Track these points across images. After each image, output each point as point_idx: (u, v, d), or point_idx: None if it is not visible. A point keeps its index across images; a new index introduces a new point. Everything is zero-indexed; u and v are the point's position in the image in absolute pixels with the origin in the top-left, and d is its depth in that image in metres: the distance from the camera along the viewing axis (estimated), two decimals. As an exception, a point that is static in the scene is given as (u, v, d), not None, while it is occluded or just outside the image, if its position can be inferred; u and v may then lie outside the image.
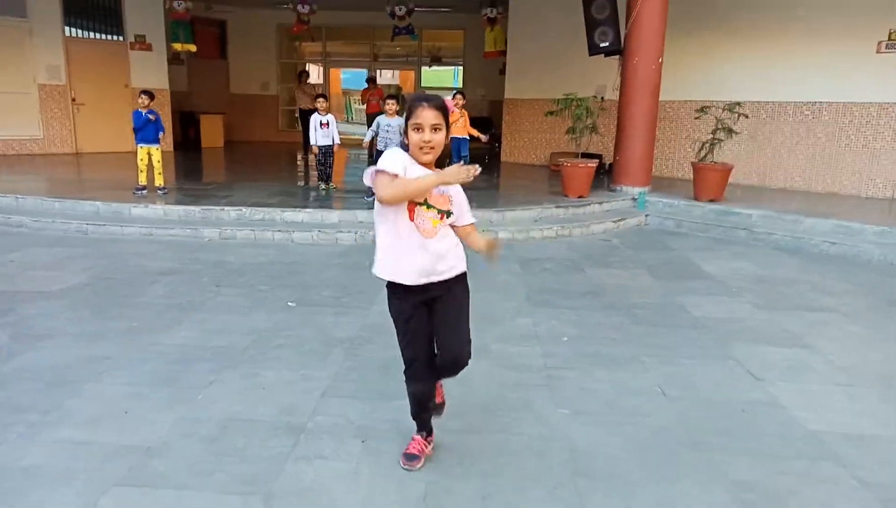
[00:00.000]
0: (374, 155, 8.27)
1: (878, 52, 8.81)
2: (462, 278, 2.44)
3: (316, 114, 8.32)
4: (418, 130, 2.20)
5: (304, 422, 2.88)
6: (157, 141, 7.81)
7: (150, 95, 7.73)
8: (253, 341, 3.83)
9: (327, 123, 8.27)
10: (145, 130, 7.69)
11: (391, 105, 7.78)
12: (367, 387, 3.25)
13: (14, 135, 11.59)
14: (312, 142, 8.35)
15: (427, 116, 2.19)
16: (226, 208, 6.99)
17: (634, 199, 8.51)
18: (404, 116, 2.27)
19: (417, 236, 2.26)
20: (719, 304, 4.85)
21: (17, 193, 7.47)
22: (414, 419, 2.59)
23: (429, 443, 2.60)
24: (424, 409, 2.55)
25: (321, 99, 8.39)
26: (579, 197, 8.30)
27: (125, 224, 6.63)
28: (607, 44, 8.98)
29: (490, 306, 4.61)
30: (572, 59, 11.14)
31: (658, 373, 3.54)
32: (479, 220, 7.34)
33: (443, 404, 2.73)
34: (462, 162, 8.84)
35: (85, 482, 2.38)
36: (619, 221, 7.79)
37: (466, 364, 2.47)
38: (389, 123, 7.66)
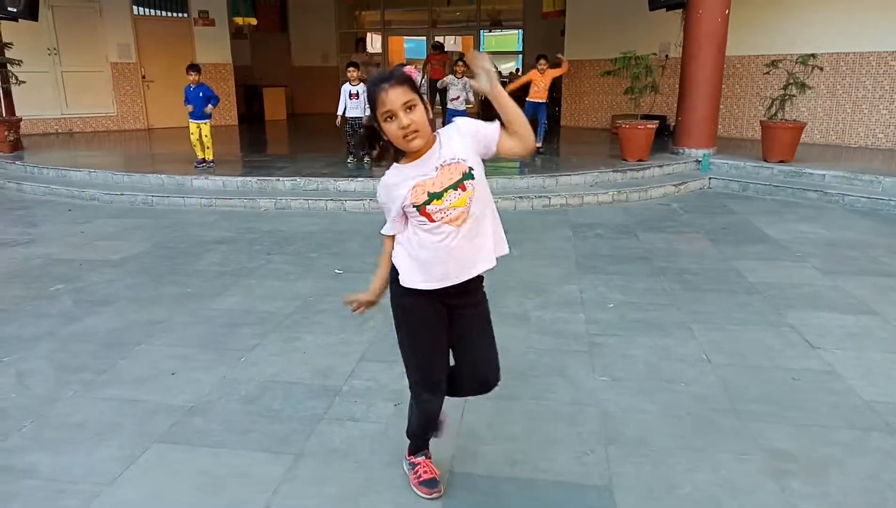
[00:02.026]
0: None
1: (975, -8, 8.02)
2: (482, 280, 2.06)
3: (347, 83, 8.00)
4: (391, 117, 1.78)
5: (339, 385, 2.94)
6: (204, 116, 7.82)
7: (197, 69, 7.83)
8: (297, 306, 3.92)
9: (357, 94, 7.85)
10: (194, 105, 7.79)
11: (352, 71, 7.89)
12: (403, 352, 3.26)
13: (90, 112, 12.20)
14: (339, 112, 8.01)
15: (393, 97, 1.76)
16: (281, 178, 7.14)
17: (698, 161, 8.16)
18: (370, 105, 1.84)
19: (450, 231, 1.86)
20: (779, 269, 4.60)
21: (90, 167, 7.87)
22: (418, 438, 2.23)
23: (430, 460, 2.28)
24: (434, 427, 2.23)
25: (351, 67, 8.02)
26: (638, 160, 8.02)
27: (187, 196, 6.89)
28: (669, -3, 8.55)
29: (537, 272, 4.55)
30: (634, 16, 10.68)
31: (704, 340, 3.40)
32: (531, 186, 7.23)
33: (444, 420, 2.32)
34: (541, 132, 8.68)
35: (129, 437, 2.52)
36: (680, 184, 7.49)
37: (496, 384, 2.13)
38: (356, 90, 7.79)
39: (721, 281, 4.36)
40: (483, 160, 1.92)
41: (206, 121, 7.90)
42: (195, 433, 2.55)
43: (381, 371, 3.05)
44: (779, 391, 2.86)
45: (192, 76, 7.73)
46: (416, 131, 1.78)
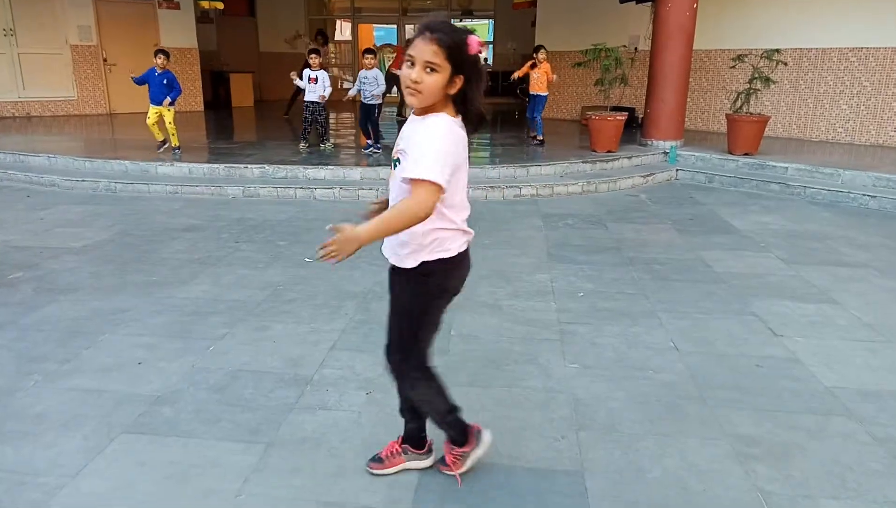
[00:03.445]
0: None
1: (932, -8, 8.26)
2: (406, 275, 1.90)
3: (307, 69, 8.09)
4: (411, 63, 1.70)
5: (310, 374, 2.91)
6: (160, 102, 7.64)
7: (166, 54, 7.65)
8: (267, 295, 3.87)
9: (315, 79, 7.99)
10: (152, 90, 7.61)
11: (369, 59, 7.91)
12: (375, 341, 3.24)
13: (49, 96, 11.82)
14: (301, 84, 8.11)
15: (424, 50, 1.67)
16: (250, 166, 7.03)
17: (665, 153, 8.28)
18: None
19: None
20: (744, 259, 4.70)
21: (50, 152, 7.64)
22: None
23: (401, 452, 2.23)
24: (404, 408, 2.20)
25: (313, 54, 8.09)
26: (608, 151, 8.10)
27: (151, 182, 6.73)
28: (639, -10, 8.62)
29: (508, 262, 4.57)
30: (605, 9, 10.77)
31: (672, 328, 3.46)
32: (502, 176, 7.24)
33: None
34: (532, 125, 8.62)
35: (94, 428, 2.46)
36: (649, 176, 7.59)
37: (399, 379, 2.06)
38: (366, 74, 7.88)
39: (688, 271, 4.44)
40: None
41: (170, 108, 7.70)
42: (163, 423, 2.50)
43: (353, 360, 3.03)
44: (743, 378, 2.92)
45: (160, 60, 7.53)
46: (418, 91, 1.71)
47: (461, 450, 2.17)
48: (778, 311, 3.71)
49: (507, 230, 5.45)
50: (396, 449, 2.22)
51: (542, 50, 8.72)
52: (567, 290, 4.04)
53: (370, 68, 7.90)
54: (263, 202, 6.36)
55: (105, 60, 12.19)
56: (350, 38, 18.04)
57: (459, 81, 1.73)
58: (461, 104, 1.78)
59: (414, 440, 2.22)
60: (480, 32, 19.95)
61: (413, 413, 2.19)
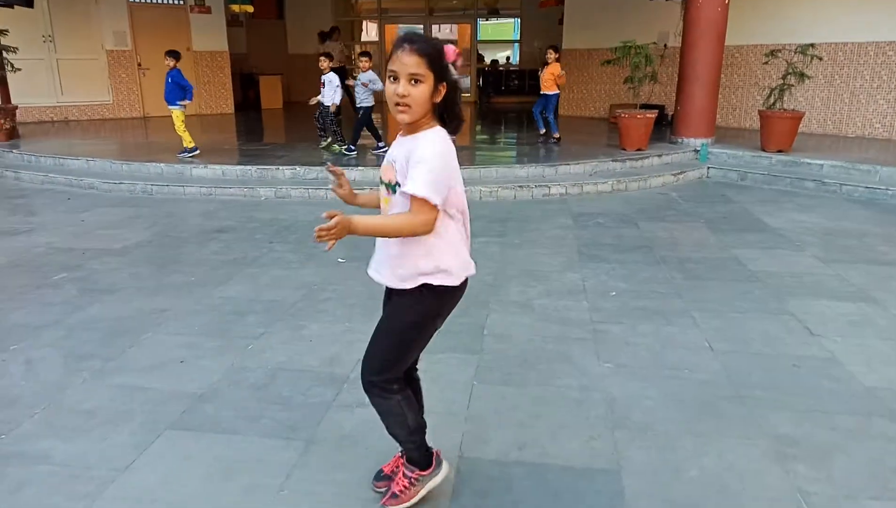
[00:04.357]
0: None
1: (973, -18, 8.04)
2: (406, 295, 1.85)
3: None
4: (393, 78, 1.69)
5: (346, 372, 2.96)
6: (172, 103, 7.78)
7: (170, 54, 7.75)
8: (302, 295, 3.94)
9: (323, 83, 8.20)
10: (166, 91, 7.76)
11: (364, 61, 7.97)
12: (409, 339, 3.29)
13: (86, 100, 12.13)
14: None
15: (406, 61, 1.66)
16: (281, 167, 7.13)
17: (696, 151, 8.18)
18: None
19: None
20: (779, 257, 4.64)
21: (88, 156, 7.84)
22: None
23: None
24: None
25: (323, 57, 8.26)
26: (637, 150, 8.04)
27: (186, 184, 6.87)
28: (669, -14, 8.54)
29: (538, 261, 4.57)
30: (633, 5, 10.68)
31: (707, 327, 3.44)
32: (531, 175, 7.25)
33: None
34: (546, 126, 8.62)
35: (141, 424, 2.54)
36: (679, 174, 7.52)
37: (367, 392, 1.98)
38: (360, 76, 7.92)
39: (722, 269, 4.40)
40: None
41: (175, 108, 7.80)
42: (206, 420, 2.58)
43: (387, 359, 3.07)
44: (781, 378, 2.90)
45: (166, 61, 7.70)
46: (406, 106, 1.69)
47: (422, 473, 2.05)
48: (815, 310, 3.66)
49: (536, 230, 5.45)
50: (403, 462, 2.11)
51: (551, 50, 8.70)
52: (599, 289, 4.03)
53: (366, 70, 7.92)
54: (295, 203, 6.45)
55: (139, 65, 12.47)
56: (377, 39, 18.14)
57: (443, 89, 1.73)
58: (445, 111, 1.77)
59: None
60: (506, 31, 19.97)
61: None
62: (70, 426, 2.52)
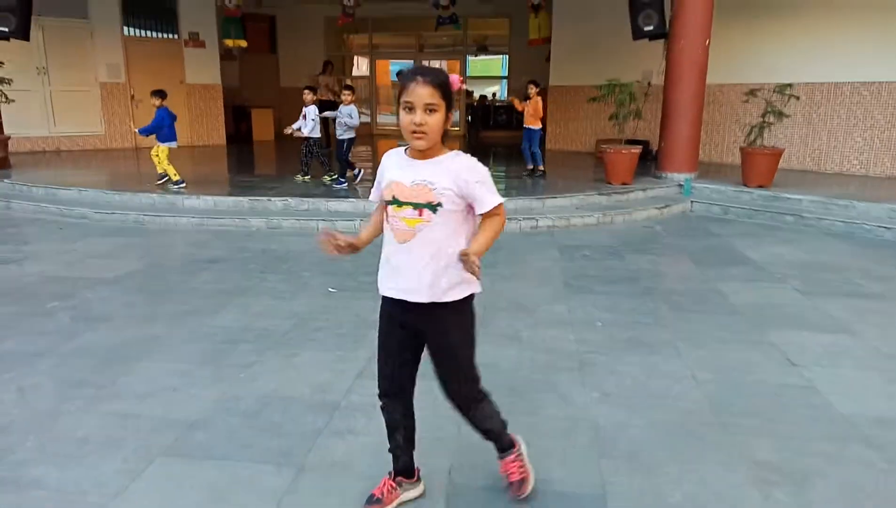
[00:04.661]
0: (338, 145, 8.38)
1: (942, 27, 8.38)
2: (459, 309, 2.01)
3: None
4: (409, 109, 1.83)
5: (338, 400, 3.01)
6: (159, 139, 7.95)
7: (157, 94, 7.93)
8: (293, 324, 3.99)
9: (304, 116, 8.40)
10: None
11: (347, 95, 8.14)
12: (399, 368, 3.35)
13: (78, 131, 12.20)
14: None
15: (420, 93, 1.81)
16: (272, 198, 7.23)
17: (680, 185, 8.37)
18: (396, 92, 1.91)
19: (392, 240, 1.97)
20: (760, 290, 4.76)
21: (80, 186, 7.89)
22: (391, 453, 2.23)
23: (396, 487, 2.23)
24: (395, 443, 2.20)
25: (306, 91, 8.50)
26: (623, 184, 8.22)
27: (178, 215, 6.94)
28: (652, 27, 8.83)
29: (526, 293, 4.66)
30: (618, 45, 10.97)
31: (690, 358, 3.53)
32: (519, 208, 7.35)
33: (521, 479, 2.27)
34: (531, 159, 8.85)
35: (133, 451, 2.57)
36: (664, 207, 7.69)
37: (469, 408, 2.15)
38: (341, 110, 8.07)
39: (705, 301, 4.51)
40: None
41: (161, 144, 7.95)
42: (198, 447, 2.61)
43: (378, 387, 3.12)
44: (761, 406, 2.98)
45: (153, 100, 7.87)
46: (424, 133, 1.84)
47: (517, 452, 2.27)
48: (795, 341, 3.76)
49: (523, 262, 5.56)
50: (391, 485, 2.23)
51: (532, 85, 8.96)
52: (585, 320, 4.12)
53: (348, 104, 8.08)
54: (286, 234, 6.53)
55: (132, 97, 12.60)
56: (368, 74, 18.45)
57: (451, 116, 1.91)
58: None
59: (409, 470, 2.25)
60: (494, 67, 20.39)
61: (409, 444, 2.23)
62: (63, 453, 2.55)
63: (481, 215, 1.96)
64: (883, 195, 7.43)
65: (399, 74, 1.93)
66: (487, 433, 2.24)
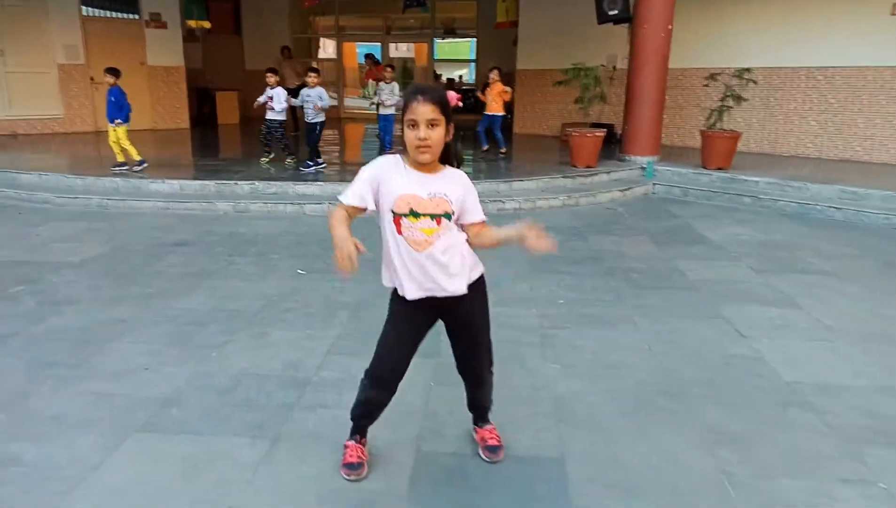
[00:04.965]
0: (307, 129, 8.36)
1: (892, 13, 8.69)
2: (477, 288, 2.26)
3: (267, 88, 8.33)
4: (413, 126, 1.98)
5: (309, 376, 3.10)
6: (112, 119, 7.78)
7: (111, 71, 7.79)
8: (263, 305, 4.05)
9: (272, 98, 8.31)
10: (107, 108, 7.76)
11: (312, 77, 8.11)
12: (369, 346, 3.35)
13: (37, 114, 11.89)
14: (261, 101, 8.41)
15: (422, 110, 1.95)
16: (240, 182, 7.21)
17: (643, 168, 8.58)
18: (402, 108, 2.04)
19: (409, 251, 2.07)
20: (717, 268, 4.97)
21: (40, 170, 7.75)
22: (353, 421, 2.38)
23: (364, 446, 2.40)
24: (369, 418, 2.37)
25: (269, 74, 8.39)
26: (587, 167, 8.38)
27: (143, 199, 6.89)
28: (616, 12, 8.99)
29: (492, 273, 4.73)
30: (584, 29, 11.11)
31: (647, 331, 3.70)
32: (486, 190, 7.46)
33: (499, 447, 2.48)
34: (489, 141, 9.07)
35: (108, 427, 2.62)
36: (626, 190, 7.88)
37: (485, 378, 2.42)
38: (309, 93, 8.03)
39: (663, 279, 4.69)
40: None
41: (114, 125, 7.78)
42: (173, 423, 2.68)
43: (348, 363, 3.21)
44: (712, 375, 3.16)
45: (107, 78, 7.71)
46: (428, 147, 1.99)
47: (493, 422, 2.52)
48: (745, 315, 3.96)
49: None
50: (361, 448, 2.38)
51: (495, 71, 9.09)
52: (548, 298, 4.26)
53: (314, 86, 8.04)
54: (254, 218, 6.54)
55: (92, 79, 12.30)
56: (335, 56, 18.30)
57: (451, 129, 2.06)
58: (448, 148, 2.10)
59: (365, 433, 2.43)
60: (462, 51, 20.39)
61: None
62: (38, 431, 2.59)
63: (464, 225, 2.18)
64: (835, 177, 7.73)
65: (405, 92, 2.09)
66: (484, 403, 2.49)
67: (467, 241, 2.19)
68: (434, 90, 2.02)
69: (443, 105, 2.00)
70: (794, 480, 2.35)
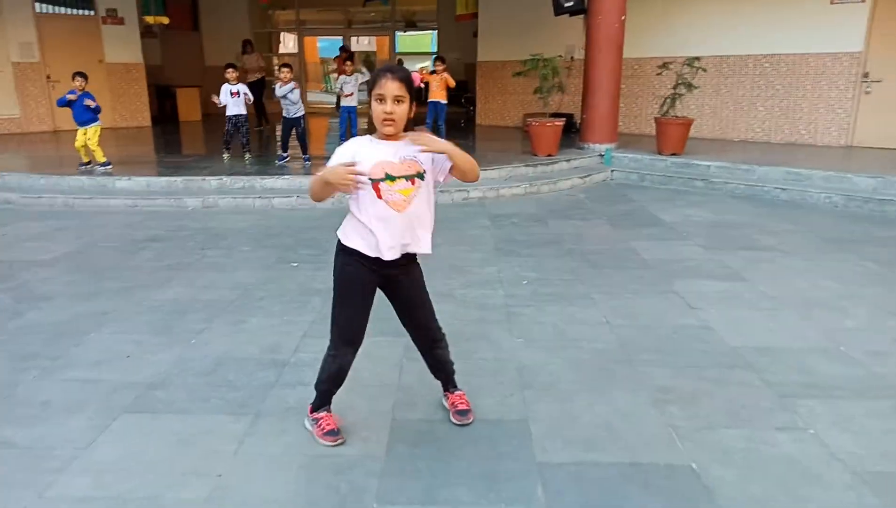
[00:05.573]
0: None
1: (832, 2, 9.12)
2: (420, 258, 2.47)
3: (226, 84, 8.28)
4: (380, 100, 2.18)
5: (287, 358, 3.26)
6: (89, 121, 7.74)
7: (83, 75, 7.77)
8: (239, 294, 4.18)
9: (237, 92, 8.28)
10: (75, 112, 7.71)
11: (285, 72, 8.18)
12: (342, 328, 3.62)
13: (-9, 115, 11.68)
14: (221, 104, 8.32)
15: (390, 87, 2.16)
16: (207, 177, 7.27)
17: (601, 155, 8.88)
18: (367, 86, 2.25)
19: (391, 212, 2.24)
20: (669, 247, 5.26)
21: (0, 170, 7.67)
22: (323, 393, 2.55)
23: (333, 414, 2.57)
24: (336, 384, 2.54)
25: (230, 69, 8.39)
26: (548, 155, 8.63)
27: (110, 196, 6.91)
28: (571, 3, 9.25)
29: (459, 256, 4.99)
30: (542, 21, 11.36)
31: (605, 306, 3.95)
32: (452, 181, 7.65)
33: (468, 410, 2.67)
34: (426, 128, 9.29)
35: (96, 410, 2.75)
36: (586, 177, 8.16)
37: (442, 339, 2.62)
38: (284, 88, 8.11)
39: (620, 259, 4.96)
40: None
41: (93, 125, 7.77)
42: (159, 403, 2.82)
43: (324, 345, 3.34)
44: (663, 343, 3.42)
45: (78, 82, 7.66)
46: (393, 120, 2.19)
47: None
48: (695, 289, 4.25)
49: (457, 230, 5.88)
50: (333, 417, 2.56)
51: (439, 61, 9.31)
52: (513, 279, 4.49)
53: (287, 82, 8.10)
54: (223, 213, 6.62)
55: (48, 78, 12.12)
56: (296, 51, 18.25)
57: (414, 106, 2.27)
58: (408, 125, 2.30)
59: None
60: (424, 43, 20.52)
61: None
62: (28, 416, 2.71)
63: (445, 177, 2.35)
64: (781, 160, 8.12)
65: (374, 71, 2.26)
66: (448, 368, 2.69)
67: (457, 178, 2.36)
68: (401, 70, 2.23)
69: (408, 83, 2.20)
70: (735, 430, 2.61)
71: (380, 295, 2.48)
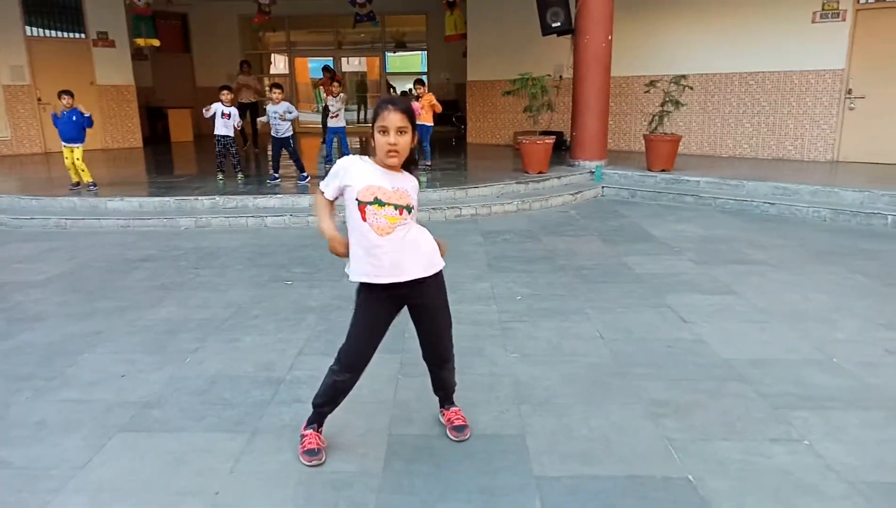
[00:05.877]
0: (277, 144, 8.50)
1: (813, 21, 9.31)
2: (439, 275, 2.48)
3: (219, 103, 8.32)
4: (384, 132, 2.21)
5: (282, 375, 3.26)
6: (75, 140, 7.79)
7: (70, 93, 7.81)
8: (232, 313, 4.18)
9: (228, 114, 8.32)
10: (63, 130, 7.75)
11: (277, 93, 8.27)
12: (338, 345, 3.59)
13: (-19, 137, 11.67)
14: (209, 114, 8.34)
15: (393, 118, 2.19)
16: (199, 197, 7.28)
17: (591, 172, 8.96)
18: (372, 117, 2.28)
19: (374, 236, 2.26)
20: (661, 262, 5.31)
21: (-8, 192, 7.66)
22: (319, 409, 2.55)
23: (321, 435, 2.57)
24: (333, 404, 2.54)
25: (224, 91, 8.46)
26: (539, 173, 8.71)
27: (102, 217, 6.89)
28: (559, 24, 9.36)
29: (453, 273, 4.93)
30: (531, 41, 11.49)
31: (598, 321, 3.97)
32: (443, 198, 7.71)
33: (465, 426, 2.68)
34: (420, 153, 9.33)
35: (91, 430, 2.74)
36: (577, 193, 8.23)
37: (451, 358, 2.64)
38: (275, 109, 8.18)
39: (612, 274, 5.00)
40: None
41: (79, 145, 7.80)
42: (154, 422, 2.81)
43: (319, 362, 3.37)
44: (657, 356, 3.45)
45: (66, 100, 7.70)
46: (397, 151, 2.23)
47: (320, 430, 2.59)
48: (687, 303, 4.28)
49: (450, 246, 5.88)
50: (320, 437, 2.55)
51: (419, 84, 9.42)
52: (506, 295, 4.51)
53: (279, 102, 8.17)
54: (216, 232, 6.62)
55: (39, 100, 12.14)
56: (287, 72, 18.36)
57: (415, 137, 2.30)
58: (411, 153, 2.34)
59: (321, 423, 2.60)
60: (413, 63, 20.72)
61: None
62: (23, 436, 2.69)
63: None
64: (769, 175, 8.23)
65: (376, 103, 2.30)
66: (449, 386, 2.71)
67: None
68: (402, 101, 2.27)
69: (409, 115, 2.25)
70: (730, 442, 2.63)
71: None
